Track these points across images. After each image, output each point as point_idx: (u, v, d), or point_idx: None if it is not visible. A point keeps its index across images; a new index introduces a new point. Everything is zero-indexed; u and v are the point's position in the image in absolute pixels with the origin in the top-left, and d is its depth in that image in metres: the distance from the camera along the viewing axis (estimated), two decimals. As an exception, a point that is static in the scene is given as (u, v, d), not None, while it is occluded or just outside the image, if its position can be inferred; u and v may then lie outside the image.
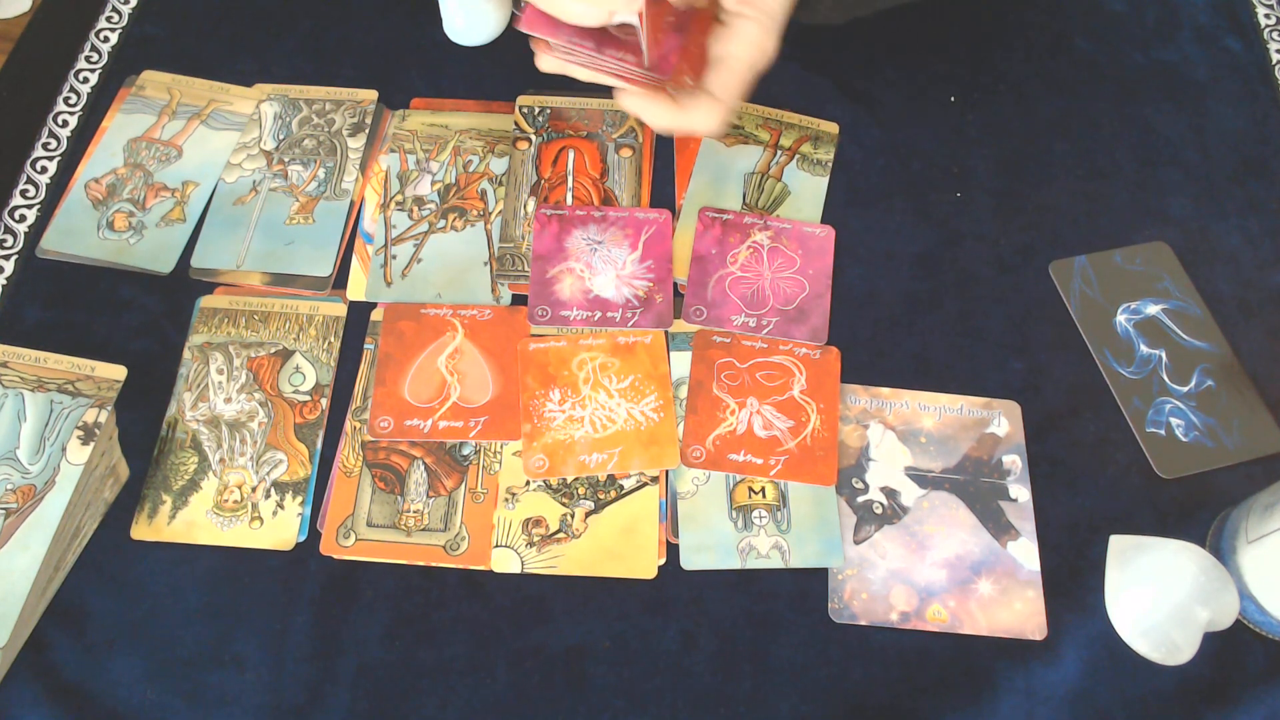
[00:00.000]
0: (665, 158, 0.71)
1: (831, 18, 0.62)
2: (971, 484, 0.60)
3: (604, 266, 0.66)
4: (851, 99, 0.74)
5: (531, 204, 0.68)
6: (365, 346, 0.63)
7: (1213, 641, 0.54)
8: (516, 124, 0.71)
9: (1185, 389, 0.62)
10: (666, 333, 0.64)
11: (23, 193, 0.68)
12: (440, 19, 0.75)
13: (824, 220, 0.68)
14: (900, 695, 0.54)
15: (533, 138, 0.71)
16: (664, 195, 0.69)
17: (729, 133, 0.71)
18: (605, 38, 0.54)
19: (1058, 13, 0.78)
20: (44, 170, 0.69)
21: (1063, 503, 0.60)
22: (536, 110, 0.72)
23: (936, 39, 0.76)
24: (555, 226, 0.67)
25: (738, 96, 0.56)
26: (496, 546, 0.57)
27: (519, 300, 0.65)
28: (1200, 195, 0.70)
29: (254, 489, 0.58)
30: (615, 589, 0.57)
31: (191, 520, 0.57)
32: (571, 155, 0.71)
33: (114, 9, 0.77)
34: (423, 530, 0.57)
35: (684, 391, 0.62)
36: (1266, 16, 0.79)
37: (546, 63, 0.56)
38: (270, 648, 0.55)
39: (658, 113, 0.57)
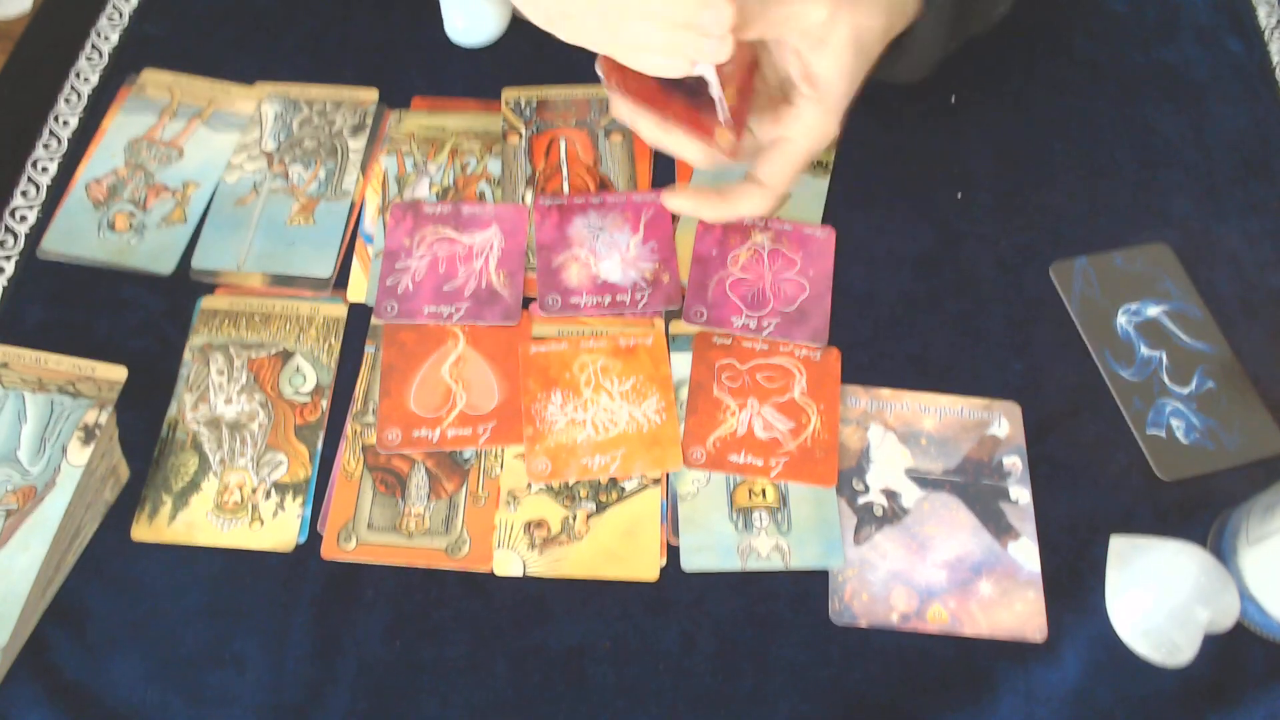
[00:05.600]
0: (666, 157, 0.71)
1: (908, 76, 0.63)
2: (972, 485, 0.60)
3: (608, 251, 0.66)
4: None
5: (529, 196, 0.68)
6: (366, 349, 0.63)
7: (1213, 643, 0.54)
8: (505, 118, 0.72)
9: (1186, 390, 0.62)
10: (667, 334, 0.64)
11: (23, 193, 0.68)
12: (440, 19, 0.75)
13: (824, 221, 0.68)
14: (900, 696, 0.55)
15: (522, 130, 0.71)
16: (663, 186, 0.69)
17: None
18: (674, 93, 0.54)
19: (1058, 13, 0.78)
20: (44, 170, 0.69)
21: (1063, 504, 0.60)
22: (524, 102, 0.72)
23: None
24: (555, 216, 0.67)
25: (788, 183, 0.57)
26: (498, 549, 0.57)
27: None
28: (1201, 196, 0.70)
29: (254, 490, 0.58)
30: (615, 590, 0.57)
31: (192, 521, 0.57)
32: (564, 144, 0.71)
33: (114, 8, 0.77)
34: (424, 533, 0.57)
35: (684, 393, 0.62)
36: (1268, 17, 0.79)
37: (620, 108, 0.57)
38: (270, 648, 0.55)
39: (707, 207, 0.60)
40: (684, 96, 0.55)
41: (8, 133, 0.71)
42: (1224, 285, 0.67)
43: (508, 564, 0.57)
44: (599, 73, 0.55)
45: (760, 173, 0.57)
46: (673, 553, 0.58)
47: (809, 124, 0.55)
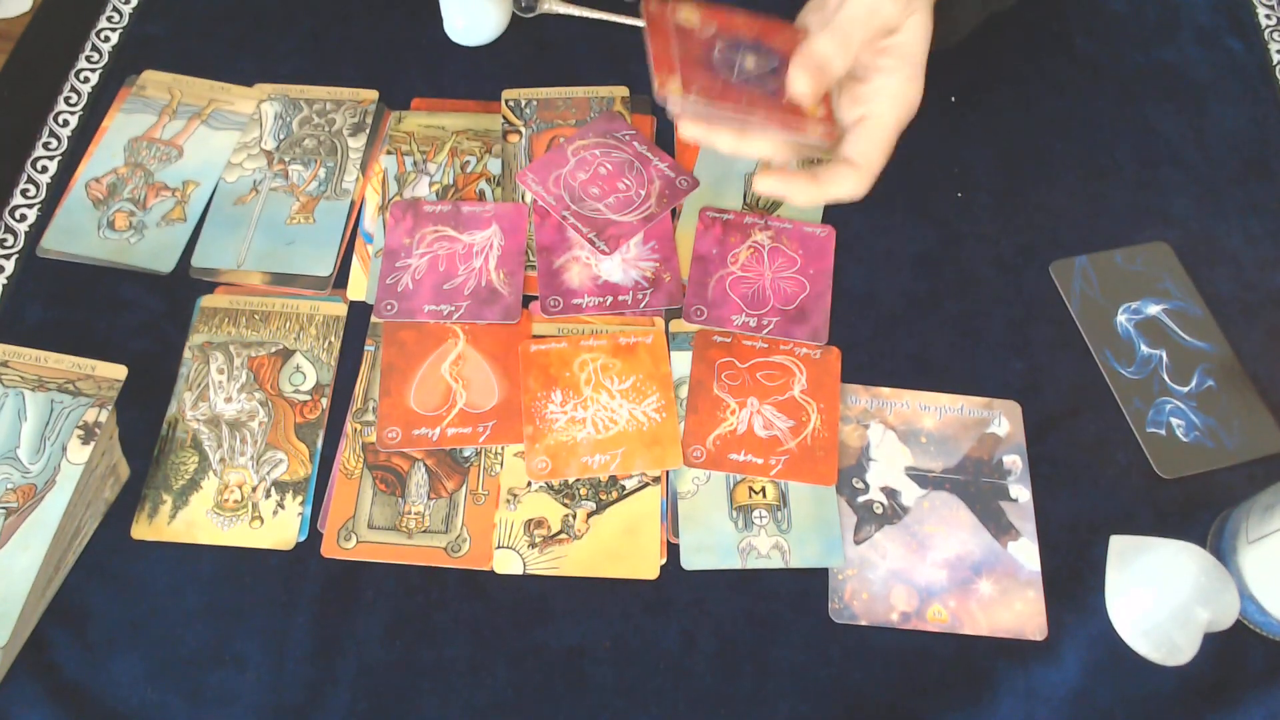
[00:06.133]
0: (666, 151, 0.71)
1: (942, 43, 0.61)
2: (972, 484, 0.60)
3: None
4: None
5: (529, 195, 0.68)
6: (365, 348, 0.63)
7: (1213, 642, 0.54)
8: (505, 118, 0.72)
9: (1186, 389, 0.62)
10: (667, 332, 0.64)
11: (23, 192, 0.68)
12: (440, 19, 0.75)
13: (824, 220, 0.68)
14: (900, 695, 0.55)
15: (523, 130, 0.71)
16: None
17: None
18: (751, 90, 0.54)
19: (1058, 13, 0.78)
20: (45, 170, 0.69)
21: (1063, 503, 0.60)
22: (524, 103, 0.72)
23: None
24: (555, 217, 0.67)
25: (881, 159, 0.55)
26: (498, 548, 0.57)
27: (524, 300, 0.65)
28: (1201, 196, 0.70)
29: (254, 488, 0.58)
30: (615, 589, 0.57)
31: (192, 520, 0.57)
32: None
33: (115, 8, 0.77)
34: (424, 532, 0.57)
35: (684, 391, 0.62)
36: (1267, 17, 0.79)
37: (689, 129, 0.55)
38: (270, 647, 0.55)
39: (799, 190, 0.56)
40: (761, 92, 0.54)
41: (8, 132, 0.71)
42: (1224, 285, 0.67)
43: (508, 563, 0.57)
44: (667, 98, 0.53)
45: (851, 152, 0.55)
46: (673, 551, 0.58)
47: (894, 95, 0.53)
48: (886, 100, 0.53)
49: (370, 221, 0.68)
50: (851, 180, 0.54)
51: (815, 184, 0.55)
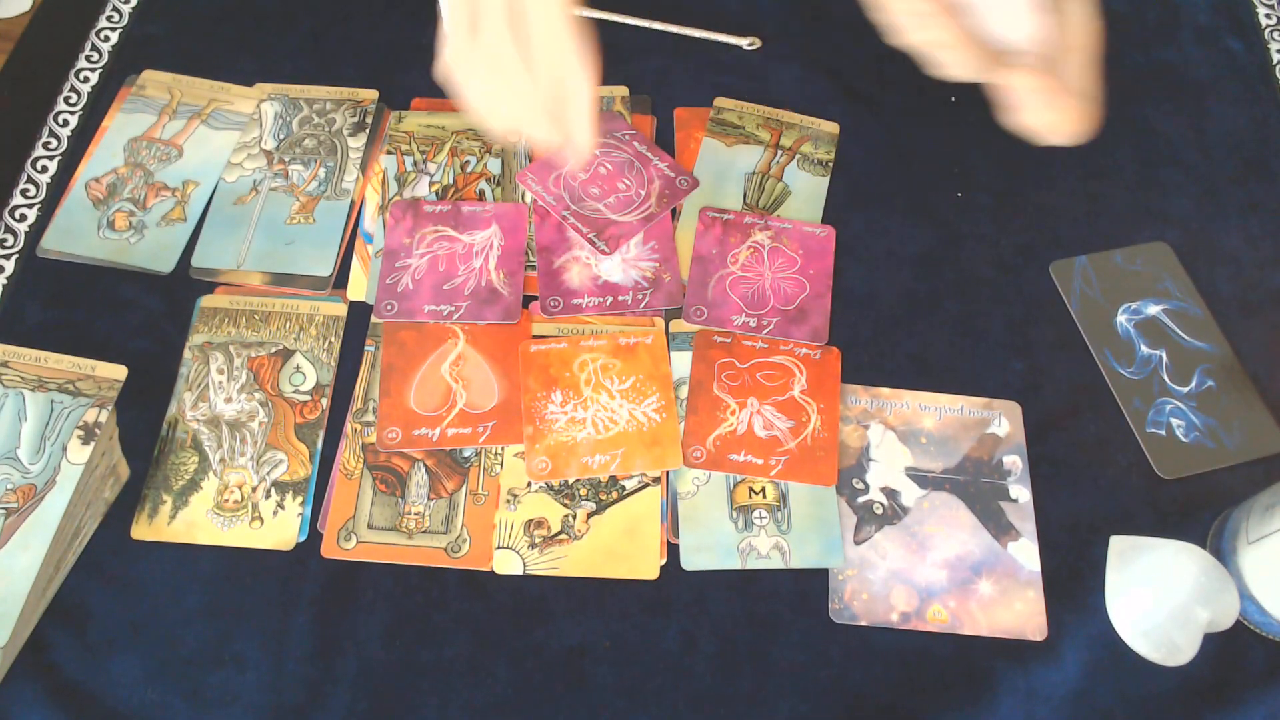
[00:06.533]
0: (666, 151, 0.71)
1: None
2: (972, 484, 0.60)
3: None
4: (852, 99, 0.74)
5: (529, 195, 0.68)
6: (366, 348, 0.63)
7: (1213, 642, 0.54)
8: None
9: (1186, 389, 0.62)
10: (667, 332, 0.64)
11: (23, 192, 0.68)
12: (440, 19, 0.75)
13: (824, 220, 0.68)
14: (900, 695, 0.55)
15: None
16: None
17: (728, 133, 0.71)
18: None
19: (1058, 13, 0.78)
20: (44, 170, 0.69)
21: (1063, 503, 0.60)
22: None
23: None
24: (555, 217, 0.67)
25: (1091, 84, 0.53)
26: (498, 548, 0.57)
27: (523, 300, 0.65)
28: (1201, 196, 0.70)
29: (254, 489, 0.58)
30: (615, 589, 0.57)
31: (192, 520, 0.57)
32: None
33: (115, 8, 0.77)
34: (424, 532, 0.57)
35: (684, 391, 0.62)
36: (1267, 17, 0.79)
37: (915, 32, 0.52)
38: (270, 648, 0.55)
39: (1043, 114, 0.53)
40: None
41: (8, 132, 0.71)
42: (1224, 285, 0.67)
43: (508, 563, 0.57)
44: None
45: (1066, 79, 0.52)
46: (673, 551, 0.58)
47: (1083, 25, 0.53)
48: (1079, 30, 0.53)
49: (370, 221, 0.68)
50: (1083, 111, 0.53)
51: (1055, 113, 0.52)
